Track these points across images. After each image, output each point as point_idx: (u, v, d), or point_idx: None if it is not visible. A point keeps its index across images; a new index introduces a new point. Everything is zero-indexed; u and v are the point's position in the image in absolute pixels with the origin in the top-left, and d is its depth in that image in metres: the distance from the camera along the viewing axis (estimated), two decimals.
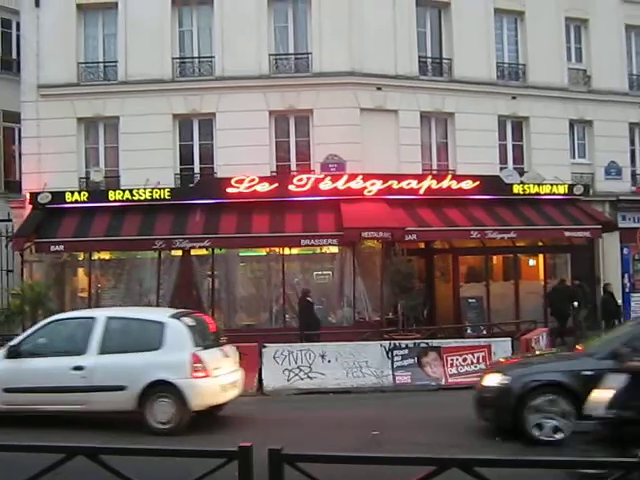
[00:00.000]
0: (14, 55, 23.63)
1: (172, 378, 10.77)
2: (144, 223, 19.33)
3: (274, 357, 15.39)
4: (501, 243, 20.58)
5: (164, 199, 19.67)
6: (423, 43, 22.30)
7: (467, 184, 20.43)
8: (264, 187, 19.57)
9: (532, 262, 22.84)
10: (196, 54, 21.64)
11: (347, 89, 21.02)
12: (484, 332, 19.28)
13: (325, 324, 18.96)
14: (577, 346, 12.58)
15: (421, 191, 20.16)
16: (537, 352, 13.99)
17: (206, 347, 11.32)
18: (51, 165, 20.29)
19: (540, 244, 22.38)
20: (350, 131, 20.70)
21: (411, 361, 15.54)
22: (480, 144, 21.67)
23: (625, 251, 23.38)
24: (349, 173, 20.03)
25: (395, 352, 15.58)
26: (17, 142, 23.00)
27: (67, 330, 11.87)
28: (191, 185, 20.73)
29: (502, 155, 22.66)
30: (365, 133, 20.81)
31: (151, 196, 19.60)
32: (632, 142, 24.60)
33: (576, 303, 19.67)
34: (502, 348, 15.26)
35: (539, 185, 21.32)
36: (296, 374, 15.31)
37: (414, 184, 20.13)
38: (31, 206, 19.89)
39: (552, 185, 21.37)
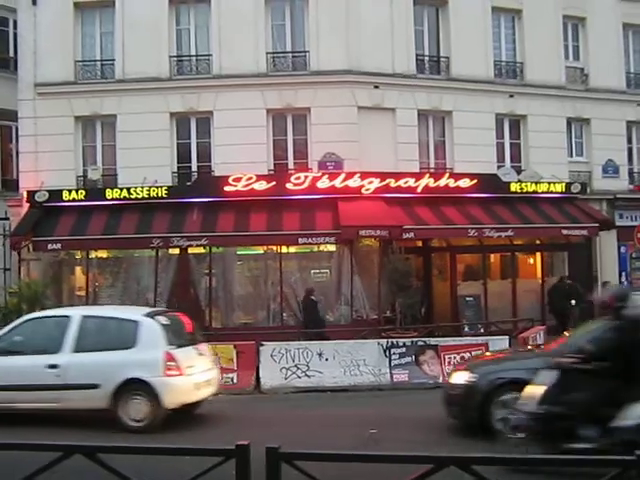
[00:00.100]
0: (11, 53, 23.55)
1: (145, 376, 10.87)
2: (141, 221, 19.30)
3: (271, 355, 15.39)
4: (498, 241, 20.57)
5: (161, 197, 19.64)
6: (420, 41, 22.29)
7: (465, 182, 20.43)
8: (261, 185, 19.55)
9: (530, 260, 22.88)
10: (193, 52, 21.62)
11: (344, 87, 21.02)
12: (482, 330, 19.29)
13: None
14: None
15: (419, 189, 20.16)
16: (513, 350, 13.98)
17: (180, 346, 11.40)
18: (48, 163, 20.25)
19: (537, 242, 22.40)
20: (347, 129, 20.70)
21: (409, 359, 15.55)
22: (478, 142, 21.68)
23: (622, 249, 23.41)
24: (346, 171, 20.02)
25: (393, 350, 15.59)
26: (14, 140, 22.93)
27: (42, 328, 11.93)
28: (188, 183, 20.73)
29: (500, 153, 22.67)
30: (362, 131, 20.81)
31: (148, 194, 19.58)
32: (629, 140, 24.63)
33: (573, 301, 19.69)
34: (499, 346, 15.22)
35: (536, 183, 21.33)
36: (293, 372, 15.31)
37: (412, 182, 20.12)
38: (28, 204, 19.86)
39: (549, 183, 21.38)
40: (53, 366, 11.03)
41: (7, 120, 23.13)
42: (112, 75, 21.28)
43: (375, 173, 19.94)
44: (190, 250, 19.74)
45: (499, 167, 22.11)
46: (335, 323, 19.53)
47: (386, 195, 19.88)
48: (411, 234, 19.26)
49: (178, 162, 21.25)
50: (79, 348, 11.15)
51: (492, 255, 22.45)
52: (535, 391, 8.01)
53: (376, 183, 19.79)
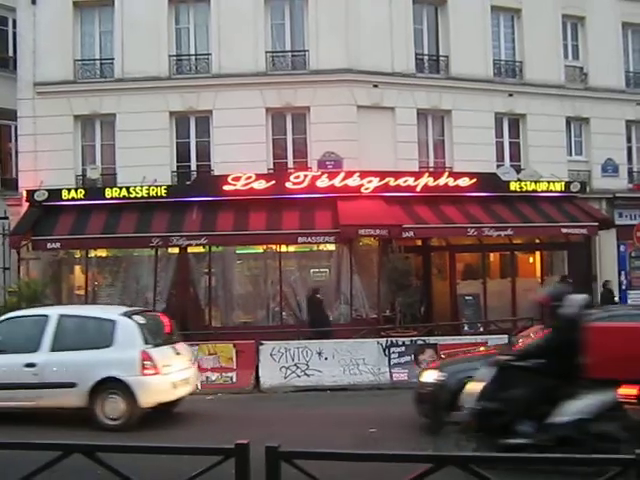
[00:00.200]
0: (10, 52, 23.53)
1: (122, 375, 10.96)
2: (141, 221, 19.29)
3: (271, 354, 15.42)
4: (498, 240, 20.56)
5: (161, 196, 19.63)
6: (420, 40, 22.29)
7: (464, 181, 20.42)
8: (261, 184, 19.55)
9: (530, 259, 22.87)
10: (193, 51, 21.61)
11: (344, 86, 21.02)
12: (481, 329, 19.30)
13: None
14: None
15: (418, 188, 20.15)
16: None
17: (157, 345, 11.48)
18: (47, 163, 20.24)
19: (537, 241, 22.39)
20: (347, 128, 20.70)
21: (408, 358, 15.57)
22: (477, 141, 21.68)
23: (622, 248, 23.40)
24: (346, 170, 20.03)
25: (392, 349, 15.62)
26: (13, 140, 22.92)
27: (21, 328, 12.01)
28: (188, 182, 20.71)
29: (499, 152, 22.66)
30: (362, 130, 20.80)
31: (148, 194, 19.57)
32: (629, 139, 24.62)
33: None
34: None
35: (536, 182, 21.32)
36: (293, 371, 15.34)
37: (411, 181, 20.12)
38: (27, 204, 19.84)
39: (549, 182, 21.37)
40: (31, 365, 11.14)
41: (6, 119, 23.11)
42: (111, 74, 21.26)
43: (374, 172, 19.94)
44: (189, 249, 19.72)
45: (498, 166, 22.11)
46: (335, 322, 19.49)
47: (385, 194, 19.87)
48: (410, 233, 19.25)
49: (177, 161, 21.24)
50: (57, 347, 11.27)
51: (491, 254, 22.43)
52: (475, 388, 8.20)
53: (375, 182, 19.79)
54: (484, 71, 22.45)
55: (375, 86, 21.23)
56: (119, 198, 19.66)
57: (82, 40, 21.56)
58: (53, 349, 11.25)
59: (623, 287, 23.20)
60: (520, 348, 8.36)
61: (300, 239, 18.93)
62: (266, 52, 21.23)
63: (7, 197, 21.70)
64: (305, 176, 19.74)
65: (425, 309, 20.19)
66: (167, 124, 21.04)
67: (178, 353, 12.04)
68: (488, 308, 20.77)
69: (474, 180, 20.45)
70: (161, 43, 21.08)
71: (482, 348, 14.07)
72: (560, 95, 23.11)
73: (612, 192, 23.39)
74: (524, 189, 21.17)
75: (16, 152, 22.03)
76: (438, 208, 20.17)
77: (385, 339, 16.08)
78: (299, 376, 15.32)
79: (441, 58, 22.41)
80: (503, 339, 15.59)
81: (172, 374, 11.45)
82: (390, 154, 20.96)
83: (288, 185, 19.66)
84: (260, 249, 20.56)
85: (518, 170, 22.00)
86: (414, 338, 16.21)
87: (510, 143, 23.04)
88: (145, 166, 19.77)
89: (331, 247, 20.19)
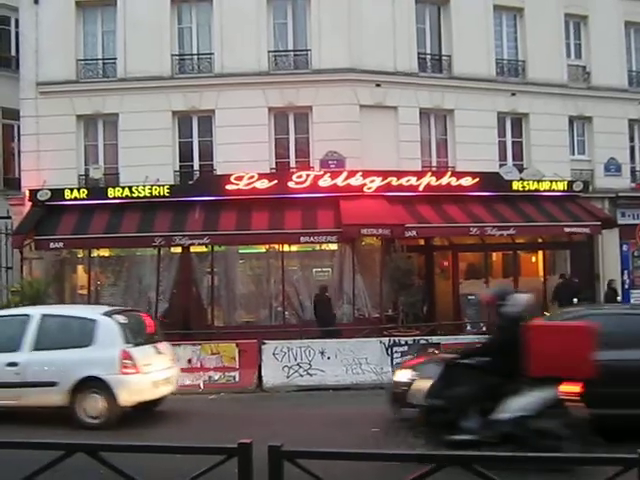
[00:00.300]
0: (13, 52, 23.59)
1: (102, 374, 11.04)
2: (143, 220, 19.30)
3: (274, 354, 15.42)
4: (500, 240, 20.55)
5: (163, 196, 19.64)
6: (422, 40, 22.27)
7: (466, 181, 20.41)
8: (263, 184, 19.55)
9: (532, 259, 22.85)
10: (195, 51, 21.61)
11: (346, 86, 21.01)
12: (484, 329, 19.27)
13: None
14: None
15: (420, 188, 20.14)
16: None
17: (138, 344, 11.54)
18: (50, 162, 20.25)
19: (540, 241, 22.37)
20: (349, 128, 20.70)
21: (410, 358, 15.53)
22: (479, 141, 21.67)
23: (624, 248, 23.37)
24: (348, 170, 20.03)
25: (395, 349, 15.61)
26: (16, 139, 22.97)
27: (3, 327, 12.08)
28: (190, 182, 20.71)
29: (501, 152, 22.65)
30: (364, 130, 20.80)
31: (150, 193, 19.58)
32: (631, 139, 24.58)
33: (575, 299, 19.66)
34: None
35: (538, 182, 21.30)
36: (295, 371, 15.34)
37: (413, 181, 20.11)
38: (30, 203, 19.87)
39: (551, 182, 21.35)
40: (12, 364, 11.24)
41: (9, 119, 23.17)
42: (114, 74, 21.28)
43: (377, 171, 19.93)
44: (192, 249, 19.74)
45: (501, 165, 22.09)
46: (337, 322, 19.51)
47: (388, 193, 19.86)
48: (413, 232, 19.24)
49: (180, 161, 21.26)
50: (38, 346, 11.36)
51: (494, 253, 22.41)
52: (424, 385, 8.39)
53: (378, 181, 19.78)
54: (487, 70, 22.43)
55: (378, 85, 21.22)
56: (122, 198, 19.68)
57: (85, 40, 21.58)
58: (35, 348, 11.36)
59: (626, 286, 23.18)
60: (466, 346, 8.52)
61: (302, 239, 18.94)
62: (268, 52, 21.23)
63: (10, 197, 21.74)
64: (307, 175, 19.74)
65: (428, 308, 20.19)
66: (170, 124, 21.05)
67: (160, 352, 12.11)
68: (491, 307, 20.70)
69: (477, 179, 20.44)
70: (163, 43, 21.10)
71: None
72: (563, 94, 23.08)
73: (615, 191, 23.35)
74: (527, 188, 21.15)
75: (19, 152, 22.08)
76: (441, 207, 20.16)
77: (388, 338, 16.08)
78: (302, 375, 15.33)
79: (444, 57, 22.39)
80: None
81: (153, 373, 11.54)
82: (393, 153, 20.96)
83: (290, 185, 19.66)
84: (262, 249, 20.57)
85: (521, 169, 21.98)
86: (417, 338, 16.21)
87: (513, 142, 23.02)
88: (148, 166, 19.78)
89: (333, 247, 20.18)
